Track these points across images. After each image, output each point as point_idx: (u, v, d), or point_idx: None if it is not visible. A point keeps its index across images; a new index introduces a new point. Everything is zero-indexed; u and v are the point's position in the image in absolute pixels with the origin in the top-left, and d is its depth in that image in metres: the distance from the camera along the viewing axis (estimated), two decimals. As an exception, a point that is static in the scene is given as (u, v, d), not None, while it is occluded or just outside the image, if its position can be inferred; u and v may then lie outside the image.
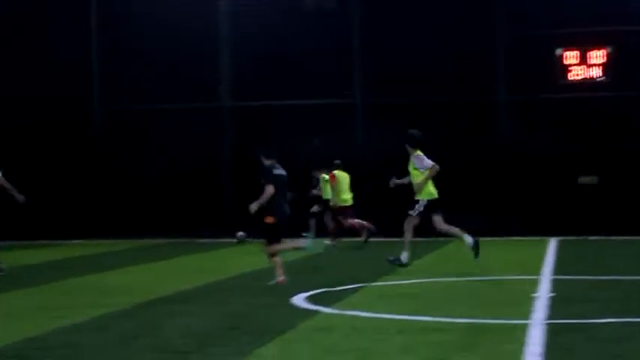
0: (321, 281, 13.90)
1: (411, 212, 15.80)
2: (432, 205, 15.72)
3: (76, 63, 26.14)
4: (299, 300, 11.75)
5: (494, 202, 24.32)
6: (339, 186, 22.44)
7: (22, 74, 26.07)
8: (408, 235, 15.85)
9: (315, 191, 23.42)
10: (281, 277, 13.71)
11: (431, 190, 15.78)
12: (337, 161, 22.83)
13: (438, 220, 15.76)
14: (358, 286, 13.36)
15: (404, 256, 15.83)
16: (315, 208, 23.47)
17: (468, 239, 15.62)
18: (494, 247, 19.78)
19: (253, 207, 13.50)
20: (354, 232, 22.69)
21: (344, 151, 24.06)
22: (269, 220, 13.65)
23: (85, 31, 26.14)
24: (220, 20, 25.61)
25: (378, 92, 25.10)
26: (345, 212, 22.40)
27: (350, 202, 22.57)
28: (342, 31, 25.17)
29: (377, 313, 10.49)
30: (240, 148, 25.30)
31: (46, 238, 24.67)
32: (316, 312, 10.75)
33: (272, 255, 13.85)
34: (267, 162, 13.85)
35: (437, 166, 15.62)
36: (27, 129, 26.25)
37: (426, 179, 15.64)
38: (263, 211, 13.61)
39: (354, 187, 22.65)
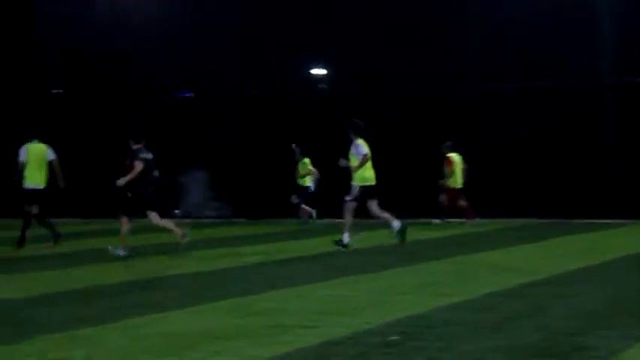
0: None
1: (346, 197, 16.99)
2: (366, 191, 16.90)
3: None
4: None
5: None
6: (454, 167, 23.23)
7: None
8: (348, 218, 16.89)
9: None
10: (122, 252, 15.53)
11: (365, 176, 16.85)
12: (448, 143, 23.50)
13: (373, 205, 17.09)
14: None
15: (345, 237, 16.72)
16: (293, 199, 25.25)
17: (395, 224, 16.91)
18: None
19: (120, 182, 15.61)
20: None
21: None
22: (129, 194, 15.70)
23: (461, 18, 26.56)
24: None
25: None
26: (458, 194, 23.22)
27: (461, 184, 23.29)
28: None
29: None
30: (624, 126, 24.40)
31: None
32: None
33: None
34: (135, 146, 15.80)
35: (368, 157, 16.76)
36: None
37: (359, 166, 16.74)
38: (127, 186, 15.63)
39: None
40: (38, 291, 11.40)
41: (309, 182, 25.45)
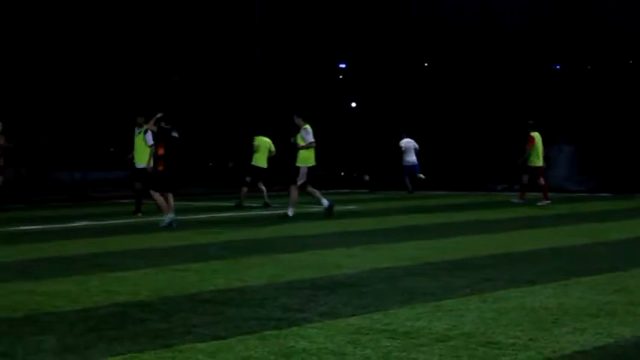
0: None
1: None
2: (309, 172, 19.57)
3: None
4: None
5: None
6: (536, 146, 23.46)
7: None
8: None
9: None
10: None
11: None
12: (531, 122, 23.66)
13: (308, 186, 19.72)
14: None
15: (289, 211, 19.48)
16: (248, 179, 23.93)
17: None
18: None
19: None
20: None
21: None
22: None
23: None
24: None
25: None
26: (538, 172, 23.54)
27: (542, 163, 23.67)
28: None
29: None
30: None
31: None
32: None
33: None
34: None
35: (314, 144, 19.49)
36: None
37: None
38: None
39: None
40: (419, 261, 11.90)
41: None
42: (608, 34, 29.66)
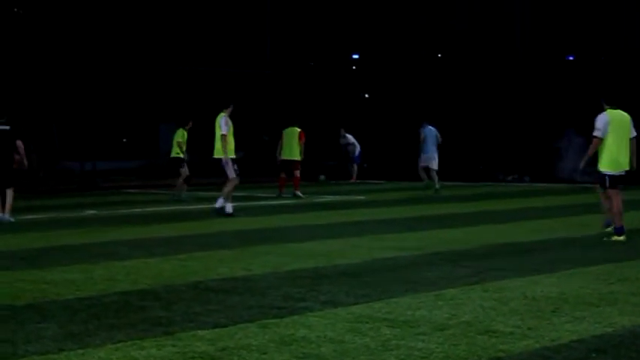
0: None
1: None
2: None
3: None
4: None
5: None
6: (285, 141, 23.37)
7: None
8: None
9: None
10: None
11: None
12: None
13: None
14: None
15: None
16: None
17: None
18: None
19: None
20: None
21: None
22: None
23: None
24: None
25: None
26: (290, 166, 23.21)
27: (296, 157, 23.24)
28: None
29: None
30: None
31: None
32: None
33: None
34: None
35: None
36: None
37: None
38: None
39: None
40: (424, 251, 11.92)
41: None
42: (620, 25, 29.59)
